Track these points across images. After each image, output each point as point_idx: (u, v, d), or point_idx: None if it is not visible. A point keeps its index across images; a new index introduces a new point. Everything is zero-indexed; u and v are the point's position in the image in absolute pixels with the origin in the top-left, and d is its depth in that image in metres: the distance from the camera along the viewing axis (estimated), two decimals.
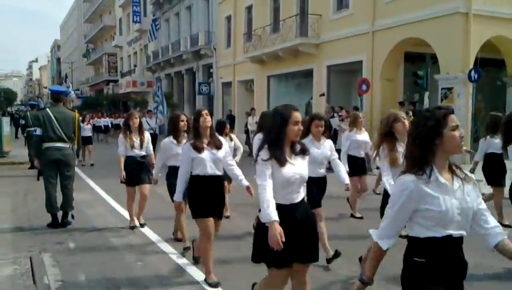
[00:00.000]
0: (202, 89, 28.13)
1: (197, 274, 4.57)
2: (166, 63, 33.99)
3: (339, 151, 11.72)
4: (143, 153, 6.30)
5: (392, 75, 15.62)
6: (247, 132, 17.81)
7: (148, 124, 14.93)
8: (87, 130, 14.72)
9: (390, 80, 15.57)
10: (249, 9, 24.08)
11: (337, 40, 17.22)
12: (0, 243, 5.69)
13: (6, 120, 16.78)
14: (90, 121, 16.89)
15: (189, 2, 30.85)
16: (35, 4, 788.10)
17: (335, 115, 12.35)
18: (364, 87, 12.78)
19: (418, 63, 14.83)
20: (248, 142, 15.87)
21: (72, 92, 12.39)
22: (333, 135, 12.34)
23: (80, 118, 11.73)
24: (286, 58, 19.95)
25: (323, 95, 16.43)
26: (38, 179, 8.04)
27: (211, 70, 28.89)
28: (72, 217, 6.62)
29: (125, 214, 7.31)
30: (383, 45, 15.22)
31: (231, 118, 22.12)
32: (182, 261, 4.98)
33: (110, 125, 28.46)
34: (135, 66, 43.26)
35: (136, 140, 6.19)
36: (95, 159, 14.34)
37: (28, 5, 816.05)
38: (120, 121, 26.89)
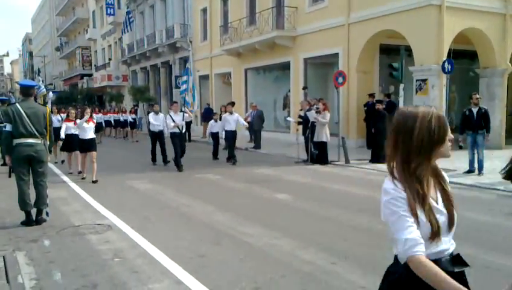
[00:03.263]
0: (179, 82, 27.82)
1: (176, 269, 4.54)
2: (141, 56, 33.54)
3: (317, 143, 11.99)
4: None
5: (368, 67, 15.80)
6: None
7: (173, 120, 11.91)
8: (87, 131, 10.20)
9: (366, 72, 15.74)
10: (225, 1, 23.94)
11: (313, 32, 17.28)
12: None
13: None
14: (94, 118, 11.06)
15: None
16: None
17: (312, 108, 12.39)
18: (340, 79, 12.85)
19: (393, 55, 15.00)
20: None
21: (43, 87, 12.02)
22: (310, 127, 12.41)
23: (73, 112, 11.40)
24: (263, 51, 19.92)
25: (305, 88, 16.50)
26: (10, 176, 7.84)
27: (187, 64, 28.62)
28: (47, 214, 6.49)
29: (102, 210, 7.24)
30: (358, 37, 15.35)
31: (209, 111, 22.01)
32: (160, 256, 4.94)
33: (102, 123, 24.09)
34: (110, 59, 42.54)
35: None
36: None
37: None
38: (110, 117, 25.10)
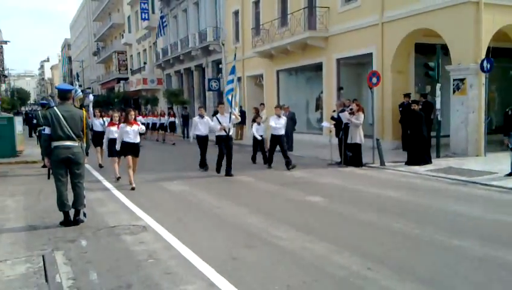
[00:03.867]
0: (212, 85, 28.09)
1: (208, 271, 4.55)
2: (175, 60, 34.04)
3: (351, 145, 11.79)
4: None
5: (403, 67, 15.45)
6: None
7: (220, 122, 11.25)
8: (132, 134, 9.53)
9: (401, 72, 15.40)
10: (256, 3, 23.97)
11: (346, 32, 17.06)
12: (14, 241, 5.73)
13: (19, 120, 16.96)
14: (137, 121, 10.86)
15: None
16: (46, 4, 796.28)
17: (345, 109, 12.22)
18: (374, 79, 12.62)
19: (429, 54, 14.62)
20: None
21: (79, 90, 12.28)
22: (344, 129, 12.24)
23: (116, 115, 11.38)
24: (295, 52, 19.84)
25: (341, 88, 16.28)
26: (49, 178, 8.08)
27: (220, 66, 28.85)
28: (84, 215, 6.65)
29: (137, 211, 7.36)
30: (392, 36, 15.04)
31: (242, 113, 22.09)
32: (193, 257, 4.96)
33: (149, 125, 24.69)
34: (145, 63, 43.41)
35: None
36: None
37: (38, 5, 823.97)
38: (149, 120, 25.07)
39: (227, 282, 4.27)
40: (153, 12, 39.08)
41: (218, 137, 11.36)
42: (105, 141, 10.92)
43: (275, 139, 12.20)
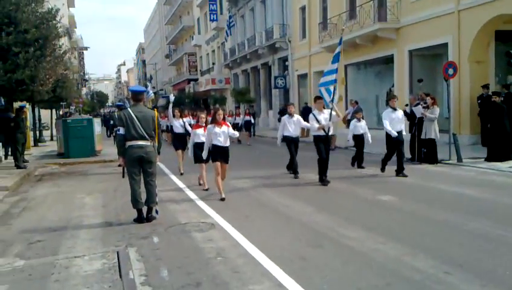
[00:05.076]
0: (278, 83, 28.12)
1: (276, 271, 4.49)
2: (242, 59, 34.47)
3: (426, 141, 11.18)
4: None
5: (482, 56, 14.46)
6: None
7: (317, 120, 9.44)
8: (221, 136, 8.17)
9: (479, 62, 14.44)
10: None
11: (418, 22, 16.32)
12: (92, 237, 6.04)
13: (97, 121, 17.98)
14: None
15: None
16: (121, 10, 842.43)
17: (420, 103, 11.64)
18: (451, 71, 11.89)
19: (511, 42, 13.56)
20: None
21: (151, 92, 12.62)
22: (417, 123, 11.68)
23: (189, 119, 11.00)
24: (364, 45, 19.28)
25: (421, 80, 15.48)
26: (123, 177, 8.44)
27: (286, 63, 28.78)
28: (156, 212, 6.87)
29: (206, 208, 7.48)
30: (470, 24, 14.13)
31: (308, 110, 21.84)
32: (260, 256, 4.93)
33: None
34: (213, 63, 44.40)
35: None
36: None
37: (114, 12, 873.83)
38: (235, 119, 22.30)
39: (295, 283, 4.17)
40: (221, 13, 39.83)
41: (316, 138, 9.62)
42: (190, 146, 9.39)
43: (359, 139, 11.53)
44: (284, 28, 27.95)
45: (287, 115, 10.79)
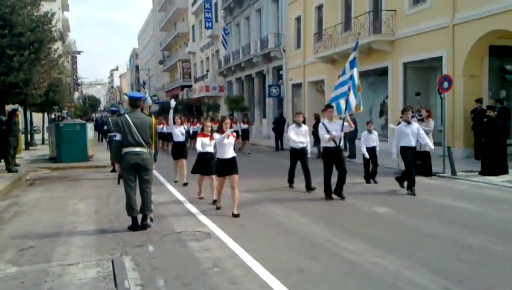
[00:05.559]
0: (272, 92, 28.15)
1: (274, 283, 4.43)
2: (237, 67, 34.51)
3: (420, 153, 11.19)
4: None
5: (476, 70, 14.59)
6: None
7: (327, 130, 8.82)
8: (227, 148, 7.69)
9: (473, 76, 14.56)
10: (319, 8, 23.77)
11: (413, 35, 16.45)
12: (85, 244, 5.94)
13: (90, 126, 17.82)
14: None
15: (259, 5, 31.07)
16: (115, 15, 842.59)
17: (415, 116, 11.69)
18: (446, 84, 11.98)
19: (505, 57, 13.72)
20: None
21: (149, 98, 12.39)
22: None
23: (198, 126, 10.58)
24: (359, 57, 19.17)
25: (419, 94, 15.55)
26: (118, 183, 8.40)
27: (281, 72, 28.85)
28: (151, 219, 6.78)
29: (201, 217, 7.40)
30: (464, 39, 14.26)
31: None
32: (257, 267, 4.87)
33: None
34: (207, 71, 44.41)
35: None
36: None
37: (108, 16, 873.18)
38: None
39: None
40: (216, 21, 39.93)
41: (325, 150, 9.01)
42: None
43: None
44: (279, 38, 28.06)
45: (294, 124, 10.16)
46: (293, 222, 7.05)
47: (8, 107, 16.05)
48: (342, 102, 9.12)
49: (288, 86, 27.65)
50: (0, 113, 14.30)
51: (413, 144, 9.37)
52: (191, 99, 47.15)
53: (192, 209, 8.12)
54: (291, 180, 10.43)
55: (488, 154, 11.11)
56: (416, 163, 9.68)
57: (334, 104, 9.27)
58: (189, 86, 49.71)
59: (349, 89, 9.02)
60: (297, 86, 26.83)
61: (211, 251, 5.54)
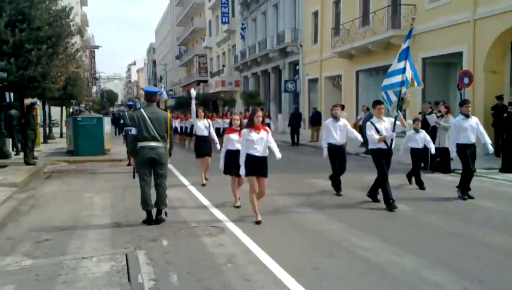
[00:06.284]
0: (288, 87, 28.02)
1: (289, 281, 4.36)
2: (253, 62, 34.40)
3: (439, 149, 10.98)
4: None
5: (497, 66, 14.25)
6: None
7: (377, 129, 7.78)
8: (260, 144, 6.62)
9: (494, 72, 14.21)
10: (337, 3, 23.50)
11: (433, 30, 16.15)
12: (100, 238, 5.95)
13: (107, 120, 17.96)
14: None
15: (276, 0, 30.88)
16: (133, 11, 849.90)
17: (433, 111, 11.47)
18: (466, 80, 11.75)
19: None
20: None
21: (165, 93, 12.09)
22: (431, 132, 11.49)
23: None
24: (376, 52, 19.12)
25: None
26: (134, 177, 8.33)
27: (297, 68, 28.67)
28: (166, 214, 6.76)
29: (216, 212, 7.36)
30: (486, 34, 13.94)
31: (317, 115, 21.84)
32: (272, 264, 4.80)
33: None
34: (223, 66, 44.39)
35: None
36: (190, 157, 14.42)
37: (126, 12, 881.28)
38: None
39: None
40: (233, 16, 39.83)
41: (375, 152, 7.82)
42: (222, 155, 7.79)
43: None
44: (296, 33, 27.86)
45: (330, 119, 8.89)
46: (308, 219, 6.96)
47: (27, 101, 16.26)
48: (391, 94, 8.13)
49: (305, 81, 27.46)
50: (12, 107, 14.47)
51: (473, 140, 8.19)
52: (207, 94, 47.23)
53: (206, 203, 8.09)
54: (337, 187, 8.93)
55: (509, 151, 10.85)
56: (474, 163, 8.48)
57: (383, 94, 8.27)
58: (205, 81, 49.78)
59: (402, 83, 7.94)
60: (313, 81, 26.63)
61: (225, 247, 5.49)
